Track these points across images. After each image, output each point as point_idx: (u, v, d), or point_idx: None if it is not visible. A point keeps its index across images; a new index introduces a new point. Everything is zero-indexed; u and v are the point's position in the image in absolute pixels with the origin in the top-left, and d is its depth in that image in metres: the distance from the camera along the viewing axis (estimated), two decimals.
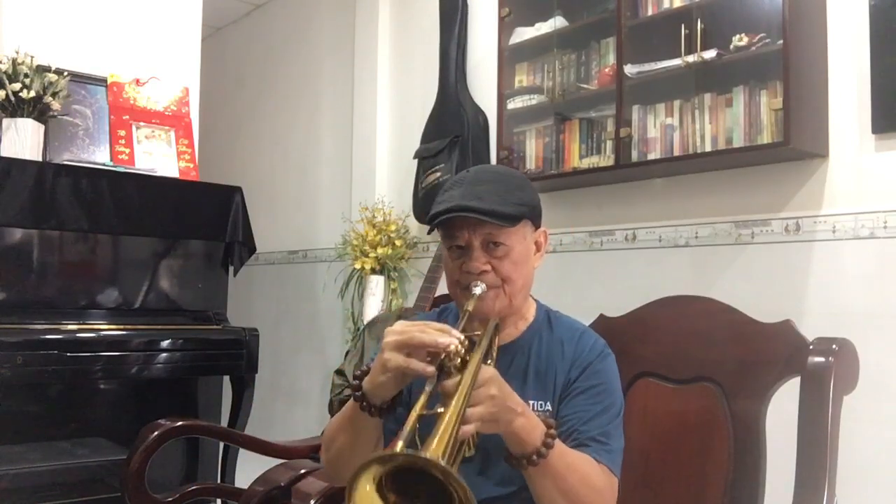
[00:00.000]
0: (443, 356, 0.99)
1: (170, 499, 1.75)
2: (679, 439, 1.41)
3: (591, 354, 1.24)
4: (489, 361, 1.11)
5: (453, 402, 0.93)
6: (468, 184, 1.21)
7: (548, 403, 1.22)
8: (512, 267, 1.20)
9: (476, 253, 1.19)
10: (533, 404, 1.20)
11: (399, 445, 0.88)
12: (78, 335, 2.31)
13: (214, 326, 2.64)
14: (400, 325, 1.05)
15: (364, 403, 1.07)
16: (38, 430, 2.44)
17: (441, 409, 0.93)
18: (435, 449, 0.85)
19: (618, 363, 1.28)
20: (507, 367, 1.21)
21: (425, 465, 0.83)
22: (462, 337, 1.02)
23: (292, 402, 4.29)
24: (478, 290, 1.17)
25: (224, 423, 2.65)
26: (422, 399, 0.96)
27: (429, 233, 1.27)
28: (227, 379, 2.71)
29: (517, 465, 1.06)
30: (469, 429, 0.95)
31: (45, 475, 2.36)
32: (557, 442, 1.06)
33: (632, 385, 1.47)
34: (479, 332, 1.11)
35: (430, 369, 0.99)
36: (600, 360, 1.24)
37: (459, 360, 0.99)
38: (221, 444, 2.61)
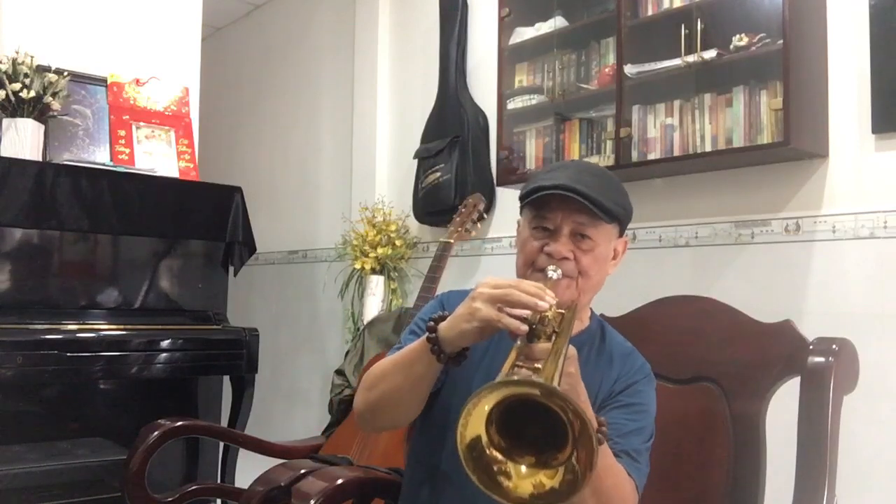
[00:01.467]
0: (534, 318, 0.99)
1: (170, 499, 1.74)
2: (679, 439, 1.41)
3: (639, 374, 1.24)
4: None
5: (550, 362, 0.92)
6: (574, 170, 1.23)
7: None
8: (593, 262, 1.20)
9: (564, 238, 1.19)
10: None
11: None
12: (78, 335, 2.31)
13: (214, 326, 2.64)
14: (493, 280, 1.04)
15: (435, 347, 1.06)
16: (38, 430, 2.44)
17: (538, 365, 0.93)
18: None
19: None
20: None
21: (554, 396, 0.83)
22: (554, 298, 1.01)
23: (292, 402, 4.29)
24: (554, 275, 1.16)
25: (224, 423, 2.65)
26: (513, 354, 0.96)
27: (521, 206, 1.25)
28: (227, 379, 2.71)
29: None
30: None
31: (45, 475, 2.36)
32: (604, 444, 1.05)
33: None
34: (562, 311, 1.09)
35: (525, 328, 0.98)
36: (645, 383, 1.24)
37: (551, 328, 0.99)
38: (221, 444, 2.61)
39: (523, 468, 0.89)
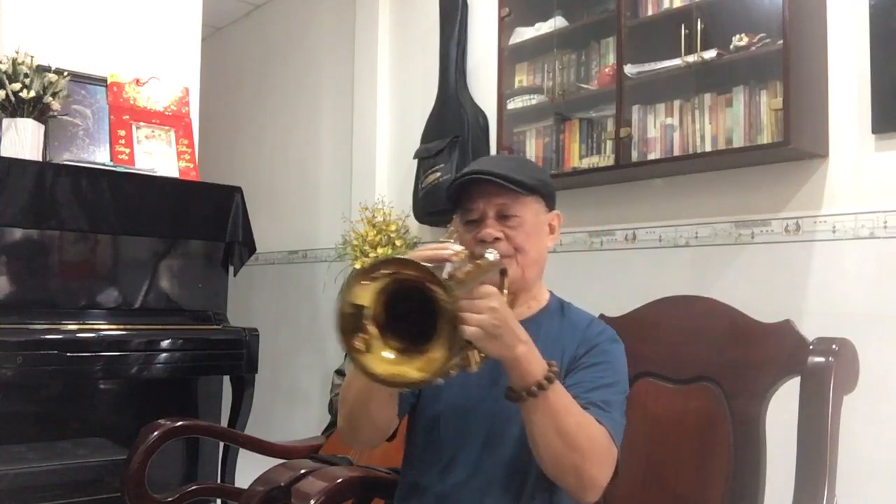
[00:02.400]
0: (453, 270, 1.04)
1: (170, 499, 1.74)
2: (679, 439, 1.41)
3: (601, 337, 1.27)
4: None
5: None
6: (486, 160, 1.41)
7: None
8: (525, 237, 1.25)
9: (490, 221, 1.25)
10: None
11: None
12: (78, 335, 2.30)
13: (214, 326, 2.64)
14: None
15: None
16: (38, 430, 2.44)
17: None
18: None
19: None
20: None
21: (410, 268, 0.92)
22: (462, 249, 1.08)
23: (292, 402, 4.28)
24: (492, 257, 1.20)
25: (224, 423, 2.65)
26: None
27: (451, 208, 1.31)
28: (227, 379, 2.71)
29: (517, 397, 1.07)
30: (471, 330, 0.96)
31: (45, 475, 2.36)
32: (557, 383, 1.08)
33: (632, 385, 1.47)
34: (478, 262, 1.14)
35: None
36: (609, 343, 1.26)
37: (464, 274, 1.04)
38: (221, 444, 2.61)
39: (389, 354, 0.97)
